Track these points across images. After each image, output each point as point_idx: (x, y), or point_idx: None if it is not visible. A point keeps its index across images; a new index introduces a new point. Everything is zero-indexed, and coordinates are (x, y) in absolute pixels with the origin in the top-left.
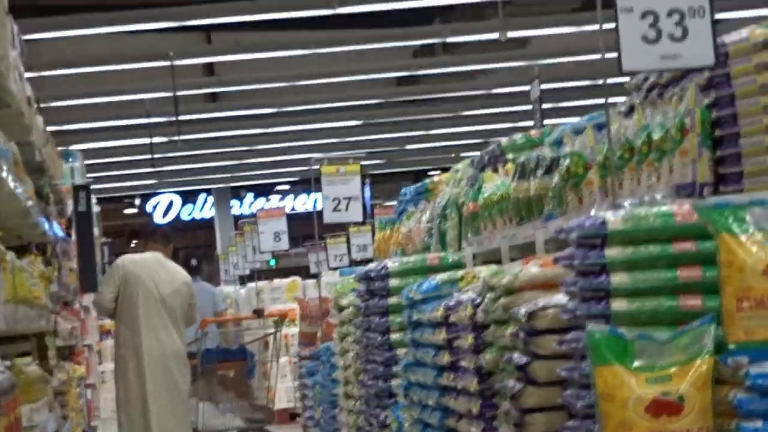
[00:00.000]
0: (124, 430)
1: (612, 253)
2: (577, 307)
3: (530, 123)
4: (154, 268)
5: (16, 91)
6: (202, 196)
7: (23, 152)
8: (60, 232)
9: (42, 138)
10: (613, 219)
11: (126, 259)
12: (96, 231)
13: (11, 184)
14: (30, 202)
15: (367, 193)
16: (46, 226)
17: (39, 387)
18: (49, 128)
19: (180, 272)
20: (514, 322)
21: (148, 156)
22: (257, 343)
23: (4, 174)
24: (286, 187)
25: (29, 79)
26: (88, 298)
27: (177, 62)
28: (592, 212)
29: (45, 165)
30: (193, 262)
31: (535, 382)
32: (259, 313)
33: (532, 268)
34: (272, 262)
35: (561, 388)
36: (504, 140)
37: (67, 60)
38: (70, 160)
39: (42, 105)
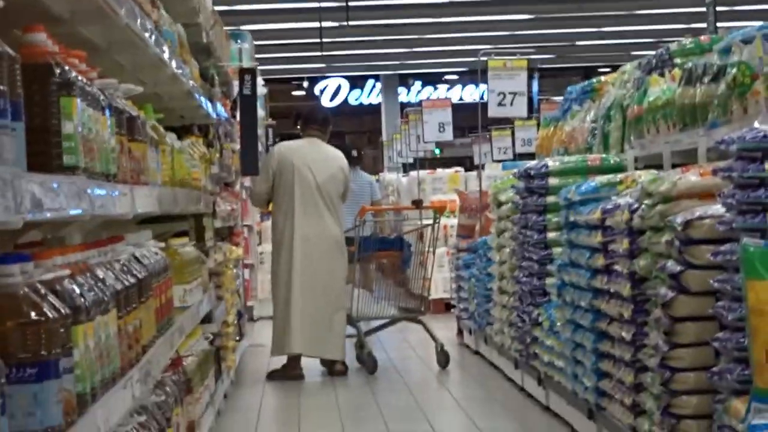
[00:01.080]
0: (274, 313)
1: None
2: (734, 219)
3: (704, 25)
4: (309, 155)
5: None
6: (369, 82)
7: (190, 33)
8: (224, 114)
9: (209, 19)
10: None
11: (282, 146)
12: (261, 113)
13: (174, 66)
14: (193, 84)
15: (535, 87)
16: (210, 107)
17: (194, 268)
18: (219, 8)
19: (337, 157)
20: (670, 230)
21: (317, 40)
22: (415, 233)
23: (167, 56)
24: (455, 77)
25: None
26: (250, 183)
27: None
28: (756, 124)
29: (212, 46)
30: (354, 153)
31: (687, 291)
32: (417, 204)
33: (691, 177)
34: (437, 151)
35: (713, 298)
36: (673, 44)
37: None
38: (239, 41)
39: None
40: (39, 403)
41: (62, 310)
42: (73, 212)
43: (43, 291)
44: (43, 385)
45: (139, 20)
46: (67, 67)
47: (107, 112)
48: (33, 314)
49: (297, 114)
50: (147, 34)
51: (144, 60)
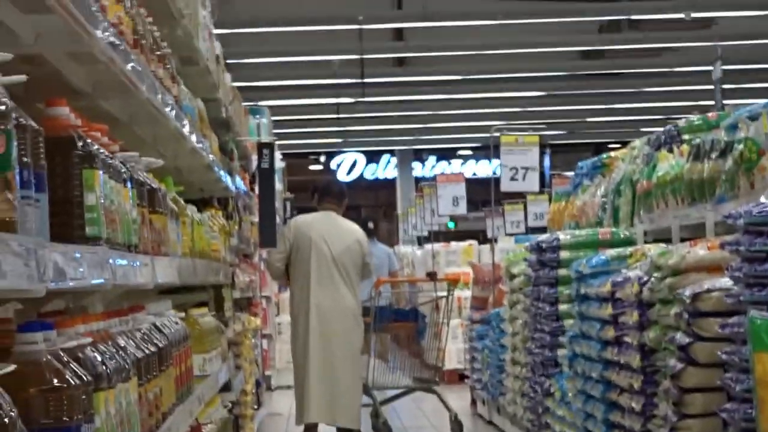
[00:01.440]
0: (295, 380)
1: None
2: (741, 292)
3: (711, 102)
4: (325, 228)
5: (204, 49)
6: (385, 157)
7: (209, 108)
8: (243, 187)
9: (228, 95)
10: None
11: (298, 220)
12: (279, 186)
13: (194, 140)
14: (213, 158)
15: (546, 162)
16: (229, 181)
17: (213, 337)
18: (237, 84)
19: (353, 229)
20: (679, 303)
21: (335, 115)
22: (429, 305)
23: (186, 130)
24: (468, 152)
25: (219, 36)
26: (266, 254)
27: (365, 26)
28: (762, 198)
29: (231, 121)
30: (370, 225)
31: (696, 362)
32: (432, 276)
33: (700, 251)
34: (451, 225)
35: (721, 370)
36: (681, 121)
37: (259, 19)
38: (257, 116)
39: (231, 61)
40: None
41: (84, 377)
42: (95, 282)
43: (65, 358)
44: None
45: (159, 95)
46: (89, 140)
47: (129, 184)
48: (55, 381)
49: (314, 187)
50: (167, 109)
51: (164, 133)
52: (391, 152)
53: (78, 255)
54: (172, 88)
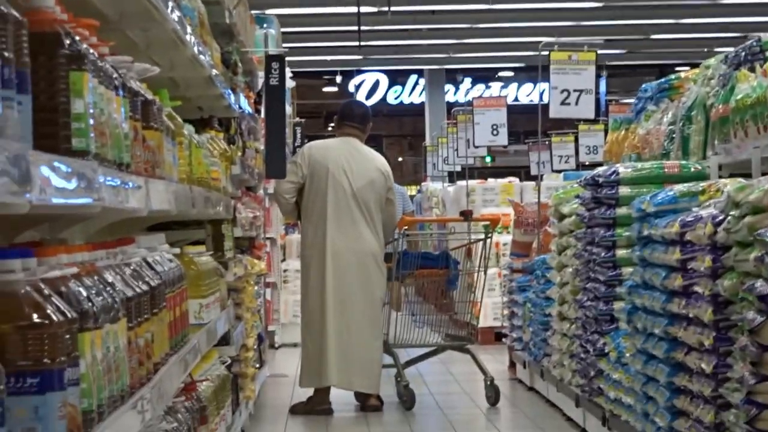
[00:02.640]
0: (304, 337)
1: None
2: None
3: None
4: (345, 157)
5: None
6: (412, 78)
7: (211, 12)
8: (247, 107)
9: None
10: None
11: (314, 146)
12: (288, 109)
13: (194, 48)
14: (214, 71)
15: (602, 87)
16: (232, 98)
17: (211, 281)
18: None
19: (377, 159)
20: (760, 245)
21: (354, 27)
22: (462, 249)
23: (187, 36)
24: (510, 73)
25: None
26: (273, 185)
27: None
28: None
29: (235, 29)
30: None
31: None
32: (466, 215)
33: None
34: (488, 159)
35: None
36: (766, 35)
37: None
38: (265, 25)
39: None
40: (40, 417)
41: (68, 314)
42: (82, 201)
43: (46, 291)
44: (46, 398)
45: None
46: (77, 38)
47: (120, 93)
48: (35, 316)
49: (330, 112)
50: (165, 5)
51: (160, 37)
52: (419, 72)
53: (65, 168)
54: None
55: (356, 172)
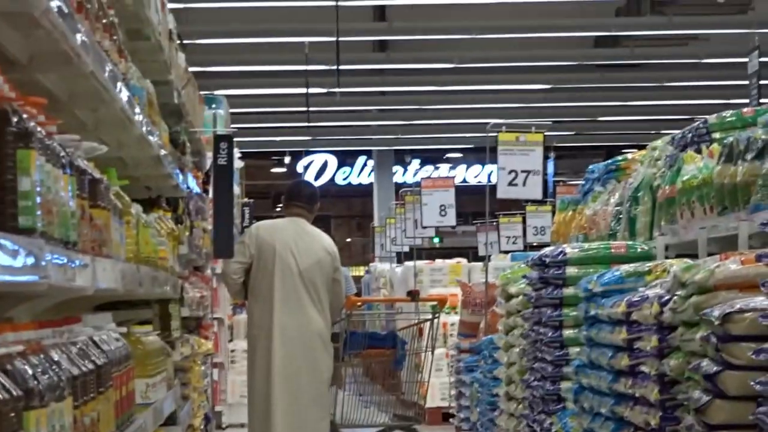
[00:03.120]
0: (250, 418)
1: None
2: None
3: (745, 100)
4: (293, 237)
5: (155, 22)
6: (361, 159)
7: (160, 93)
8: (195, 187)
9: (182, 78)
10: None
11: (261, 225)
12: (237, 189)
13: (143, 128)
14: (163, 151)
15: (550, 168)
16: (180, 178)
17: (158, 360)
18: (192, 69)
19: (324, 239)
20: (706, 325)
21: (303, 108)
22: (410, 330)
23: (136, 116)
24: (458, 155)
25: (173, 10)
26: (221, 264)
27: (343, 3)
28: None
29: (184, 109)
30: None
31: (724, 395)
32: (413, 295)
33: (731, 265)
34: (436, 240)
35: (754, 403)
36: (712, 117)
37: None
38: (214, 106)
39: (186, 42)
40: None
41: (13, 392)
42: (27, 279)
43: None
44: None
45: (106, 69)
46: (25, 116)
47: (68, 171)
48: None
49: (277, 193)
50: (114, 86)
51: (109, 116)
52: (368, 153)
53: (12, 245)
54: (119, 64)
55: (303, 252)
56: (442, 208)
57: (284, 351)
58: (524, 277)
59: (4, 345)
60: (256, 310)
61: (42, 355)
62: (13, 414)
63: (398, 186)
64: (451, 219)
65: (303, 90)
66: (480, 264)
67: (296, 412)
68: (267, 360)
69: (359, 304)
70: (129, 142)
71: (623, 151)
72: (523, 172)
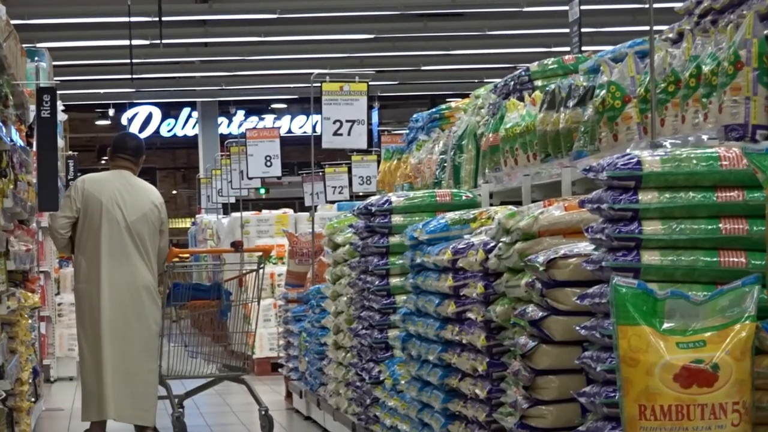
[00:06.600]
0: (81, 371)
1: (646, 197)
2: (603, 257)
3: (566, 48)
4: (118, 190)
5: None
6: (185, 111)
7: None
8: (19, 140)
9: (4, 31)
10: (650, 159)
11: (86, 179)
12: (61, 142)
13: None
14: None
15: (374, 118)
16: (3, 131)
17: None
18: (14, 21)
19: (150, 192)
20: (531, 271)
21: (127, 60)
22: (235, 281)
23: None
24: (283, 105)
25: None
26: (47, 218)
27: None
28: (628, 150)
29: (6, 62)
30: None
31: (550, 340)
32: (236, 246)
33: (555, 211)
34: (262, 191)
35: (579, 348)
36: (533, 65)
37: None
38: (36, 59)
39: None
40: None
41: None
42: None
43: None
44: None
45: None
46: None
47: None
48: None
49: (104, 145)
50: None
51: None
52: (192, 105)
53: None
54: None
55: (130, 205)
56: (268, 158)
57: (112, 304)
58: (350, 226)
59: None
60: (83, 263)
61: None
62: None
63: (223, 137)
64: (276, 170)
65: (126, 42)
66: (306, 214)
67: (127, 363)
68: (96, 313)
69: (183, 256)
70: None
71: (447, 100)
72: (347, 121)
